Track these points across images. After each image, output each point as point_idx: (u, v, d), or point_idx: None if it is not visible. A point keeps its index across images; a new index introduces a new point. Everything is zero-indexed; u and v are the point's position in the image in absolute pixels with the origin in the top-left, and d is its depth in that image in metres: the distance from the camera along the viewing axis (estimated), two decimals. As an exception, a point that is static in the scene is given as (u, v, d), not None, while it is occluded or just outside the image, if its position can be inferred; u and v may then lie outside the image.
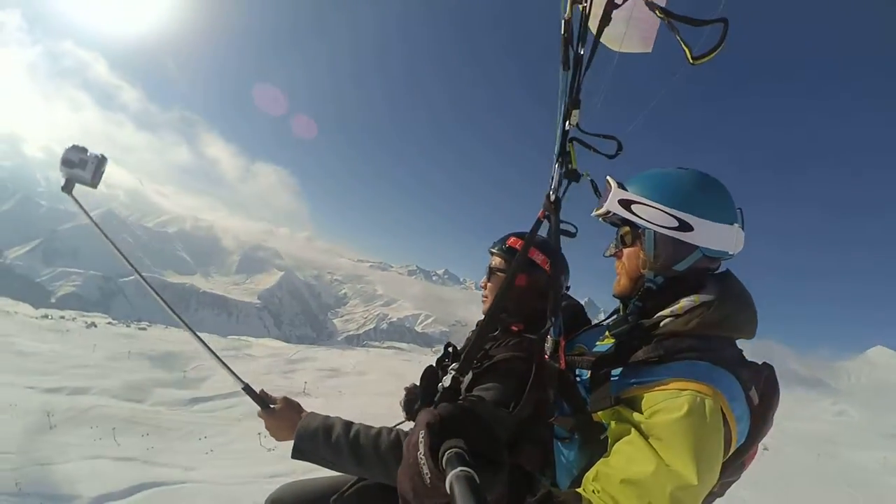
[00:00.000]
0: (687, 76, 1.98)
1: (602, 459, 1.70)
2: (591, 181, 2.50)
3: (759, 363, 2.04)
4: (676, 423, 1.59)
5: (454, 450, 1.12)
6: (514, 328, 2.67)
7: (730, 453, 1.75)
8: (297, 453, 2.18)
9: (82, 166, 2.38)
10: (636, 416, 1.72)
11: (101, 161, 2.40)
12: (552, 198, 2.30)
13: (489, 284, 2.86)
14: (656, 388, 1.73)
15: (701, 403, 1.63)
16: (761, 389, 1.94)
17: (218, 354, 2.49)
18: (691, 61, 1.83)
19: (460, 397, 2.23)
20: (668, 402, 1.66)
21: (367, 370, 24.43)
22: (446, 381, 2.21)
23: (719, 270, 2.11)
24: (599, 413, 1.86)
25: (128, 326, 33.14)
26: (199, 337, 2.55)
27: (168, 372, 17.73)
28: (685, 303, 1.95)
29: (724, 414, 1.67)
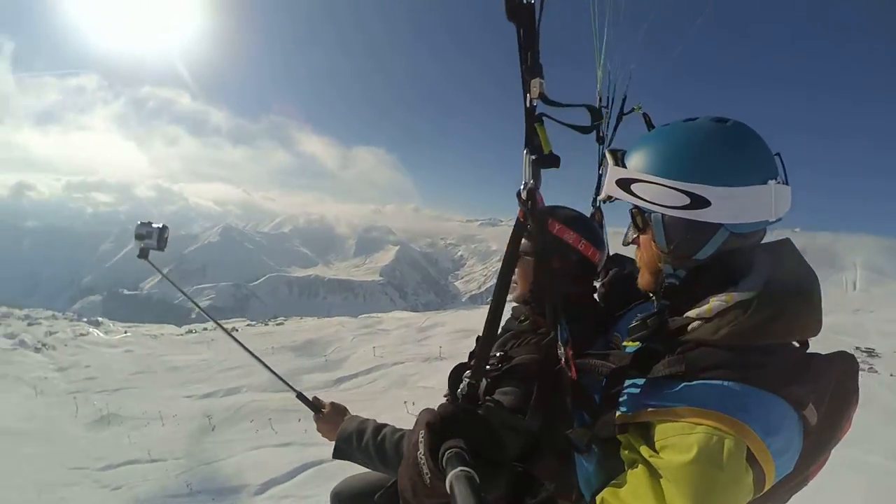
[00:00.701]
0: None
1: (613, 485, 1.48)
2: (644, 115, 2.32)
3: (830, 358, 1.58)
4: (682, 468, 1.30)
5: (454, 450, 1.11)
6: (543, 321, 2.33)
7: (764, 491, 1.40)
8: (338, 453, 2.30)
9: (150, 237, 2.82)
10: (644, 449, 1.44)
11: (163, 230, 2.83)
12: (523, 195, 1.66)
13: (517, 270, 2.44)
14: (668, 419, 1.43)
15: (717, 445, 1.30)
16: (829, 395, 1.54)
17: (267, 364, 2.82)
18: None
19: (479, 402, 2.07)
20: (678, 440, 1.36)
21: (497, 326, 24.21)
22: (462, 388, 1.98)
23: (768, 241, 1.70)
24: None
25: (265, 325, 34.53)
26: (251, 352, 2.91)
27: (310, 358, 18.61)
28: (715, 303, 1.55)
29: (752, 452, 1.33)
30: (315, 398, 2.63)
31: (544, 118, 1.66)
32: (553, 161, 1.66)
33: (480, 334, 1.71)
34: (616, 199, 1.76)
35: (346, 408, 2.54)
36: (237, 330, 29.84)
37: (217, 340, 24.41)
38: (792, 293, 1.50)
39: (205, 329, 31.78)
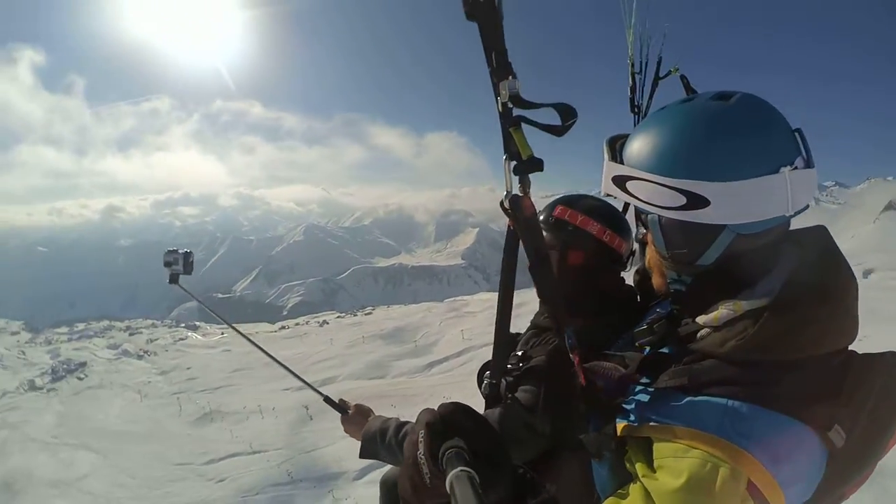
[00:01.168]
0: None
1: (617, 494, 1.34)
2: (682, 78, 2.20)
3: (872, 361, 1.33)
4: (671, 494, 1.17)
5: (454, 449, 1.07)
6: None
7: None
8: (363, 452, 2.26)
9: (176, 263, 2.89)
10: (640, 466, 1.31)
11: (187, 255, 2.90)
12: (506, 205, 1.55)
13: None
14: (666, 438, 1.28)
15: (709, 474, 1.15)
16: (870, 410, 1.30)
17: (291, 368, 2.82)
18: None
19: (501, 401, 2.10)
20: (672, 462, 1.22)
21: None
22: (485, 387, 2.10)
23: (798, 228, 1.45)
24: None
25: (354, 315, 35.21)
26: (272, 356, 2.96)
27: (400, 345, 18.78)
28: (723, 311, 1.35)
29: (754, 482, 1.16)
30: (341, 400, 2.59)
31: (522, 122, 1.49)
32: (533, 166, 1.52)
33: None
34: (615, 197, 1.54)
35: (370, 409, 2.50)
36: (327, 323, 30.73)
37: (309, 334, 24.90)
38: (815, 298, 1.27)
39: (297, 324, 32.58)
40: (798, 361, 1.25)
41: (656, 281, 1.66)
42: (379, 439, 2.21)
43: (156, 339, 29.39)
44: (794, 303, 1.25)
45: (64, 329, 37.92)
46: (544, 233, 2.12)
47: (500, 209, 1.50)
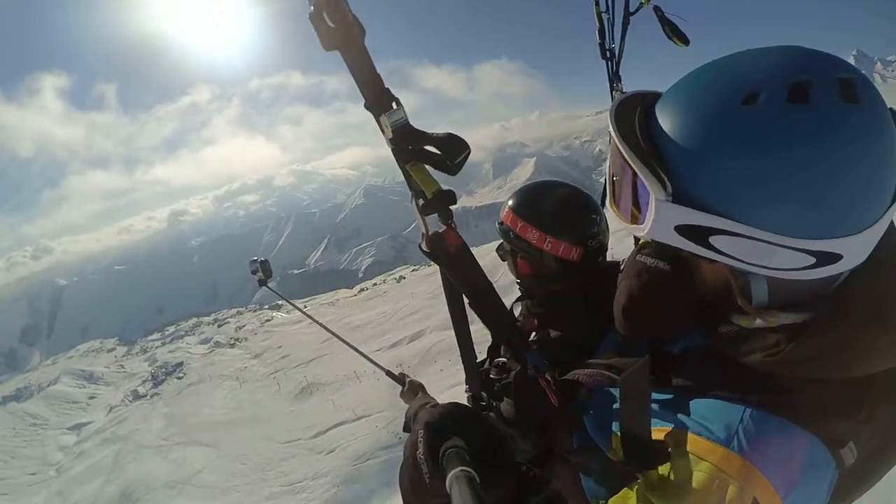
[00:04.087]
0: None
1: (619, 497, 1.19)
2: (657, 10, 2.19)
3: None
4: None
5: (454, 449, 1.04)
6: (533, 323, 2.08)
7: None
8: (405, 428, 2.03)
9: (258, 270, 3.22)
10: (644, 475, 1.15)
11: (265, 262, 3.25)
12: (424, 248, 1.53)
13: (508, 265, 2.21)
14: (671, 444, 1.13)
15: (717, 490, 1.01)
16: (886, 426, 1.16)
17: (357, 347, 2.95)
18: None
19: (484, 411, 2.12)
20: (678, 472, 1.08)
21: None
22: (468, 398, 2.10)
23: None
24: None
25: (429, 266, 35.36)
26: (339, 336, 3.15)
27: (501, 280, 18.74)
28: (755, 320, 1.10)
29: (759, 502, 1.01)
30: (401, 373, 2.49)
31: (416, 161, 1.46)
32: (442, 202, 1.46)
33: None
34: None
35: (420, 385, 2.35)
36: (404, 278, 31.15)
37: (389, 292, 25.09)
38: (868, 319, 1.02)
39: (374, 285, 32.96)
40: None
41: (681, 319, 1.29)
42: (412, 422, 2.01)
43: (244, 326, 30.35)
44: (840, 320, 1.02)
45: (156, 335, 39.58)
46: (502, 236, 2.12)
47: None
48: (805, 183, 0.91)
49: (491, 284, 1.57)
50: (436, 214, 1.49)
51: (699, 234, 1.01)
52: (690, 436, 1.09)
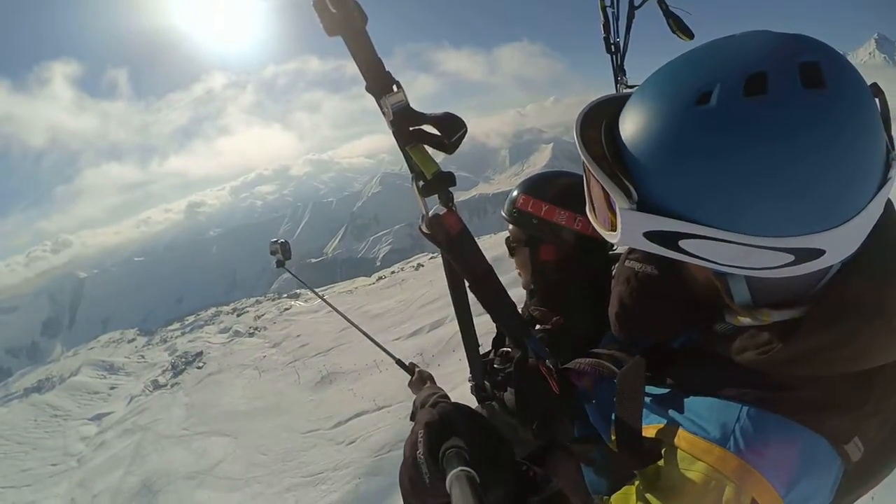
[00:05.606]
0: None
1: (622, 493, 1.16)
2: (661, 3, 2.18)
3: None
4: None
5: (454, 449, 1.07)
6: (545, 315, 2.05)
7: None
8: (413, 418, 2.15)
9: (277, 252, 3.33)
10: (640, 472, 1.14)
11: (284, 243, 3.39)
12: (424, 229, 1.60)
13: (516, 260, 2.21)
14: (667, 442, 1.12)
15: (713, 491, 1.00)
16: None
17: (371, 335, 3.09)
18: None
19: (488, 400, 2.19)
20: (673, 472, 1.07)
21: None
22: (471, 388, 2.18)
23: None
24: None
25: (447, 253, 35.60)
26: (349, 319, 3.44)
27: (503, 274, 18.48)
28: (745, 319, 1.10)
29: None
30: (411, 363, 2.57)
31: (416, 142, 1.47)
32: (441, 183, 1.50)
33: None
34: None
35: (430, 375, 2.45)
36: (423, 265, 31.46)
37: (407, 280, 25.13)
38: (866, 313, 1.00)
39: (392, 273, 33.07)
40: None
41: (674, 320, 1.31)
42: (418, 413, 2.17)
43: (262, 315, 30.53)
44: (836, 316, 1.01)
45: (176, 325, 40.01)
46: (510, 226, 2.12)
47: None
48: (771, 180, 0.88)
49: (492, 269, 1.60)
50: (436, 196, 1.54)
51: (668, 240, 1.02)
52: (686, 434, 1.08)
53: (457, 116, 1.46)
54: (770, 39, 0.93)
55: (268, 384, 16.28)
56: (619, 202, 1.03)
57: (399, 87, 1.37)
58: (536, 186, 2.06)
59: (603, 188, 1.07)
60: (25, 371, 41.05)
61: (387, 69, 1.36)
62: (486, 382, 2.16)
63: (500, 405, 2.08)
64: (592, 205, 1.23)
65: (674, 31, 2.25)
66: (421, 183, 1.48)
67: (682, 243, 1.00)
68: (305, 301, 30.68)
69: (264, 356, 20.06)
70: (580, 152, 1.10)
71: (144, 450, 14.55)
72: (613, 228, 1.11)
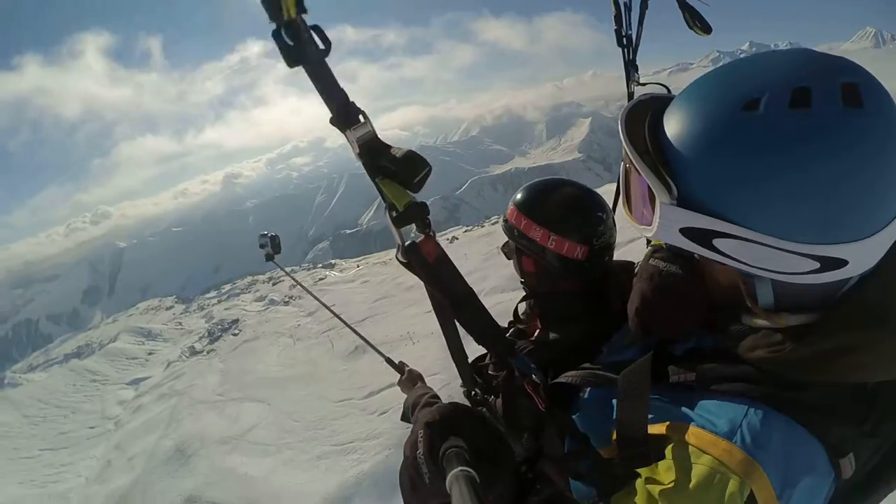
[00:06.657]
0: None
1: (623, 493, 1.17)
2: None
3: None
4: (674, 500, 1.04)
5: (454, 449, 1.08)
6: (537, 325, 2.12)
7: None
8: (403, 418, 2.28)
9: (267, 245, 3.29)
10: (644, 469, 1.14)
11: (274, 237, 3.32)
12: (401, 259, 1.54)
13: (513, 263, 2.25)
14: (672, 438, 1.13)
15: (718, 485, 1.01)
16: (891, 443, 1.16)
17: (365, 337, 3.31)
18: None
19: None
20: (678, 465, 1.07)
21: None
22: (465, 392, 2.13)
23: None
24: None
25: (482, 227, 35.54)
26: (333, 311, 3.57)
27: None
28: (761, 321, 1.12)
29: (756, 499, 1.01)
30: (401, 362, 2.68)
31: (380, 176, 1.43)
32: (412, 216, 1.43)
33: None
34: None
35: (419, 375, 2.56)
36: (457, 238, 31.33)
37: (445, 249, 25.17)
38: (870, 321, 1.04)
39: (428, 245, 33.13)
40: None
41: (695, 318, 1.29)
42: (410, 413, 2.24)
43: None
44: (849, 323, 1.05)
45: (213, 293, 40.65)
46: (505, 234, 2.15)
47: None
48: (806, 188, 0.94)
49: (472, 292, 1.56)
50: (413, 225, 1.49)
51: (703, 237, 1.07)
52: (693, 429, 1.09)
53: (419, 156, 1.42)
54: (815, 58, 0.99)
55: (302, 352, 16.41)
56: (661, 196, 1.08)
57: (365, 117, 1.33)
58: (527, 199, 2.07)
59: (643, 182, 1.12)
60: (66, 337, 42.07)
61: (351, 100, 1.31)
62: (476, 390, 2.09)
63: (491, 412, 2.03)
64: (628, 199, 1.29)
65: (690, 26, 2.22)
66: (394, 213, 1.44)
67: (717, 242, 1.06)
68: (340, 271, 30.88)
69: (299, 324, 20.24)
70: (624, 146, 1.15)
71: (179, 414, 14.78)
72: (648, 223, 1.16)
